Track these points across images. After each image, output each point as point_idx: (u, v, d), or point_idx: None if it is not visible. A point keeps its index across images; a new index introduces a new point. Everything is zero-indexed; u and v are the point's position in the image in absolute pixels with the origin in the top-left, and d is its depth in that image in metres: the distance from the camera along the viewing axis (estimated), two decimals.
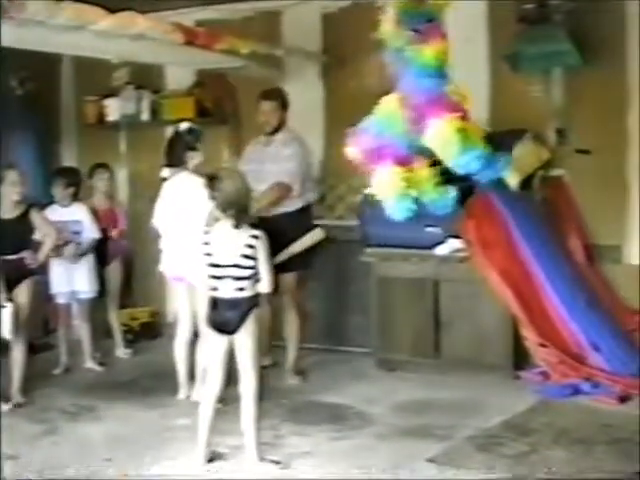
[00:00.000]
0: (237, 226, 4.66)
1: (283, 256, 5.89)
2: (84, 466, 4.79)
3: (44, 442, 5.28)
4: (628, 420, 5.33)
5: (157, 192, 6.21)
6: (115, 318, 7.54)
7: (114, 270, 7.40)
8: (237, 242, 4.66)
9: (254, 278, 4.67)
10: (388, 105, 5.53)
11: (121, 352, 7.47)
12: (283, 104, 6.55)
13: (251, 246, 4.65)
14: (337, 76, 7.44)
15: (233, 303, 4.65)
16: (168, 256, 6.17)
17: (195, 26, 6.91)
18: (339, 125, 7.22)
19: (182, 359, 6.16)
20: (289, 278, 6.37)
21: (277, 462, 4.76)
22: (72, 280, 6.96)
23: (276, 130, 6.51)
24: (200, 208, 5.36)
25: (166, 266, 6.20)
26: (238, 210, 4.65)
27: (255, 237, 4.67)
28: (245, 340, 4.67)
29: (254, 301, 4.68)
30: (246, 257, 4.63)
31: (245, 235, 4.67)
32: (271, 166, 6.32)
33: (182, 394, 6.14)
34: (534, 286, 6.20)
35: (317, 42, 7.48)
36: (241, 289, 4.65)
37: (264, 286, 4.71)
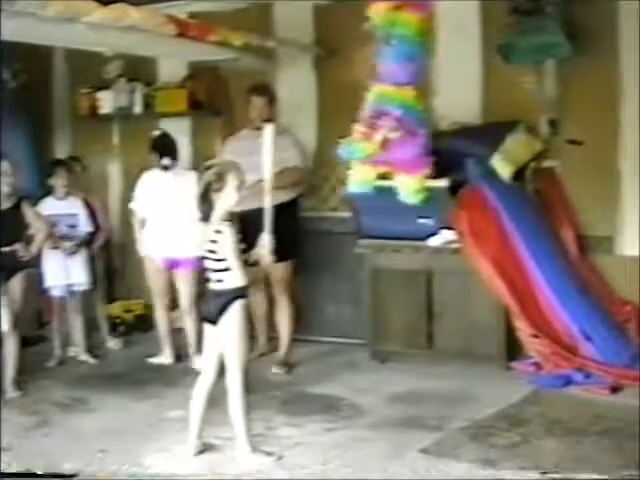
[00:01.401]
0: (203, 220, 4.65)
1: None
2: (77, 458, 4.79)
3: (37, 434, 5.29)
4: (620, 410, 5.36)
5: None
6: (101, 309, 7.53)
7: (96, 262, 7.39)
8: (205, 236, 4.66)
9: (230, 270, 4.65)
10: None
11: (112, 343, 7.45)
12: (271, 99, 6.73)
13: (214, 241, 4.62)
14: (329, 67, 7.43)
15: (216, 294, 4.67)
16: (160, 240, 6.64)
17: (188, 18, 6.90)
18: (332, 116, 7.30)
19: (163, 323, 6.80)
20: (279, 269, 6.36)
21: (270, 453, 4.77)
22: (67, 273, 6.94)
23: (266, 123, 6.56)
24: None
25: (155, 249, 6.69)
26: (205, 204, 4.62)
27: (218, 232, 4.61)
28: (229, 331, 4.65)
29: (236, 293, 4.64)
30: (211, 251, 4.63)
31: (210, 230, 4.63)
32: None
33: (165, 358, 6.70)
34: (526, 277, 6.22)
35: (309, 34, 7.46)
36: (220, 281, 4.65)
37: (235, 279, 4.66)
